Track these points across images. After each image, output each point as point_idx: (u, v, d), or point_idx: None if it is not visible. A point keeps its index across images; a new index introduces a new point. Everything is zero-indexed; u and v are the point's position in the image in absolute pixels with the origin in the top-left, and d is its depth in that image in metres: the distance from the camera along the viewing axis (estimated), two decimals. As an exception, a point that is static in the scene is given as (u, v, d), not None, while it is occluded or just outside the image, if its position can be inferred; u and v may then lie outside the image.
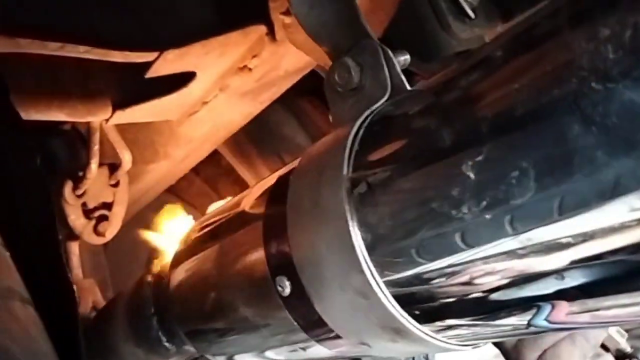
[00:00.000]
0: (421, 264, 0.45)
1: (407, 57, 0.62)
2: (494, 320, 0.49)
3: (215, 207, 0.85)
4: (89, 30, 0.77)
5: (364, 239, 0.47)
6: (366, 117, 0.53)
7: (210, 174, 1.42)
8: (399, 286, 0.48)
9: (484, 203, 0.38)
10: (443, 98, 0.44)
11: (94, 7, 0.76)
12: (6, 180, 0.61)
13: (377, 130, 0.51)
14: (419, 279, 0.47)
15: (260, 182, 0.68)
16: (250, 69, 0.95)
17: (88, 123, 1.00)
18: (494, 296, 0.46)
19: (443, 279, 0.46)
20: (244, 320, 0.64)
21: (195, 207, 1.46)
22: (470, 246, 0.41)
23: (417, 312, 0.49)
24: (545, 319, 0.44)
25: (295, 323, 0.57)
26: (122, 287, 0.99)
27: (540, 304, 0.43)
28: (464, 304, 0.48)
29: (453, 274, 0.45)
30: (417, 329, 0.48)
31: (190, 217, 1.00)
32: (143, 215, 1.32)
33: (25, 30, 0.70)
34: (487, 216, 0.38)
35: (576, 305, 0.42)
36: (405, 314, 0.48)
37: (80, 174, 1.03)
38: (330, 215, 0.49)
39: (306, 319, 0.56)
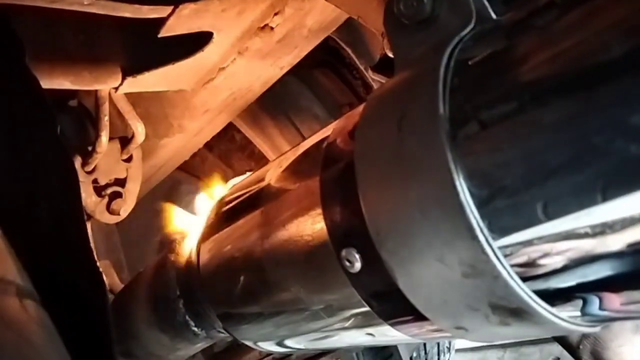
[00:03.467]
0: (561, 222, 0.31)
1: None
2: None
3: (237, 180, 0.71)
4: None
5: (475, 196, 0.33)
6: (455, 46, 0.38)
7: (224, 150, 1.26)
8: (515, 256, 0.34)
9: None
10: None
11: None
12: (25, 150, 0.46)
13: (479, 60, 0.36)
14: (545, 245, 0.33)
15: (305, 140, 0.53)
16: (272, 28, 0.80)
17: (96, 93, 0.84)
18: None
19: (578, 244, 0.32)
20: (296, 301, 0.49)
21: (209, 184, 1.31)
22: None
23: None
24: None
25: (367, 305, 0.43)
26: (137, 268, 0.85)
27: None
28: (585, 275, 0.34)
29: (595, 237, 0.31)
30: (546, 309, 0.34)
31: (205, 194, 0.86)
32: (155, 193, 1.18)
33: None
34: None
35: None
36: (531, 292, 0.33)
37: (90, 148, 0.87)
38: (423, 167, 0.35)
39: (382, 300, 0.41)
